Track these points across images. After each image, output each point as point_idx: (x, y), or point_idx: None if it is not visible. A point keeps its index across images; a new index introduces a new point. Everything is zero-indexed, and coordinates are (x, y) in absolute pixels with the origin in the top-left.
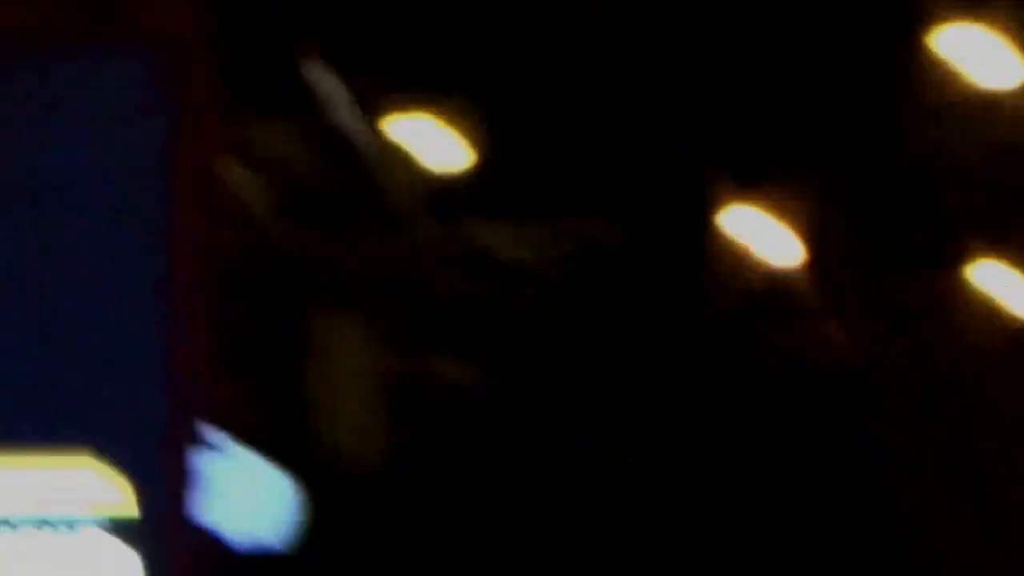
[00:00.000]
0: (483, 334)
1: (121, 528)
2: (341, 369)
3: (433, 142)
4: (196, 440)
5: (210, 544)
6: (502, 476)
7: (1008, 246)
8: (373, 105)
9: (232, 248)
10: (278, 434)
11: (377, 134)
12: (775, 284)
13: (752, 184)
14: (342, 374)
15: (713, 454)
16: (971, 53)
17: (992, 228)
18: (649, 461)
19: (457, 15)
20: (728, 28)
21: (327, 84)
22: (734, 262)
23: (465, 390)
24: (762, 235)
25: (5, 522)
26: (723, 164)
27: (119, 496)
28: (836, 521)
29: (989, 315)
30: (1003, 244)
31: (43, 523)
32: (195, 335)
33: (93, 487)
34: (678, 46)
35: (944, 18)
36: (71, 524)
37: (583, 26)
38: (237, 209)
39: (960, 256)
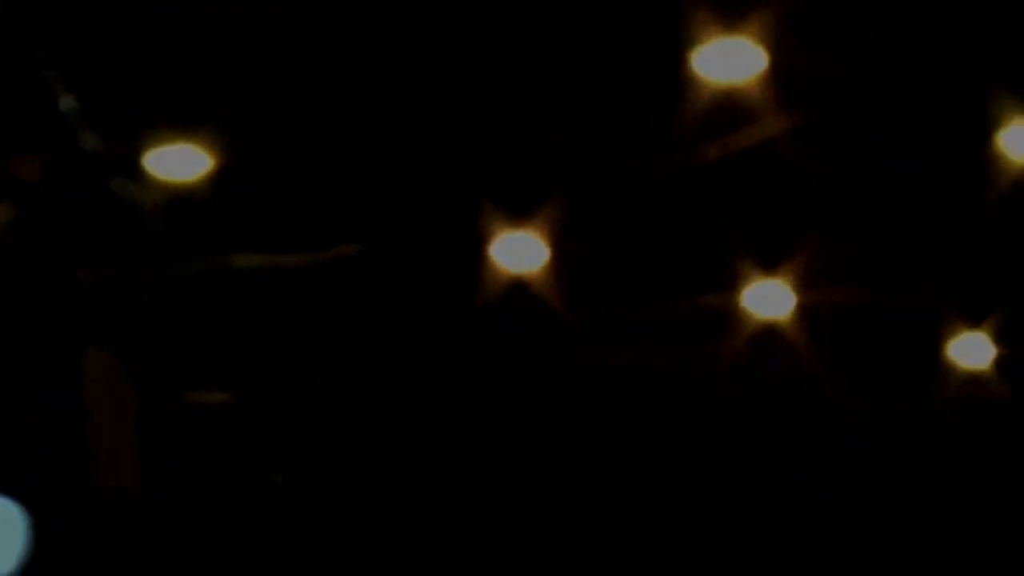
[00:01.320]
0: (237, 357)
1: None
2: (96, 401)
3: (184, 168)
4: None
5: None
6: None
7: (778, 265)
8: (126, 136)
9: None
10: (35, 470)
11: (128, 165)
12: (530, 303)
13: (507, 202)
14: (97, 406)
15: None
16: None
17: (762, 244)
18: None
19: (212, 46)
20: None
21: (78, 117)
22: (489, 280)
23: (220, 414)
24: (518, 251)
25: None
26: (478, 182)
27: None
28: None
29: (760, 337)
30: (772, 263)
31: None
32: None
33: None
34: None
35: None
36: None
37: (345, 55)
38: None
39: (729, 275)
